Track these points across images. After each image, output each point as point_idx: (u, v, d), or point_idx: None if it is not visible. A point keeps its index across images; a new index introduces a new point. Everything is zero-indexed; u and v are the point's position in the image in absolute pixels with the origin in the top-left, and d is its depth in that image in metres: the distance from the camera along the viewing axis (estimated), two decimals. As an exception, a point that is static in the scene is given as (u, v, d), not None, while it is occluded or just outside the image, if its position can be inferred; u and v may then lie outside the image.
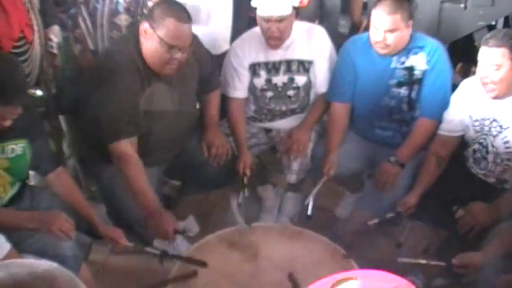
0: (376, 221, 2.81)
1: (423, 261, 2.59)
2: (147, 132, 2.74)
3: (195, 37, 2.82)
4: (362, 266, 2.45)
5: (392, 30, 2.83)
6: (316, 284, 1.15)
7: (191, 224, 3.13)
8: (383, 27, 2.83)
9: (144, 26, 2.59)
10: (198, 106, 3.17)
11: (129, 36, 2.77)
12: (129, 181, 2.61)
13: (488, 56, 2.54)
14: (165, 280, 2.46)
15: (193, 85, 2.95)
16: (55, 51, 3.04)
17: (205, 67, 3.00)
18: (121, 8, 3.10)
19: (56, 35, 3.04)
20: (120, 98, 2.60)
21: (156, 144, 2.81)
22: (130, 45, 2.66)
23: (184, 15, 2.59)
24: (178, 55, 2.59)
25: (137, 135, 2.67)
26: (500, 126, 2.67)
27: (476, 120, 2.76)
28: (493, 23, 3.96)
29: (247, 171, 3.06)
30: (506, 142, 2.66)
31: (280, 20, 2.94)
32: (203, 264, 2.48)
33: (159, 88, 2.72)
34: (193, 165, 3.00)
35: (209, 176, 3.04)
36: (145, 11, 3.12)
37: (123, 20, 3.12)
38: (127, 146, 2.63)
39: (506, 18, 4.12)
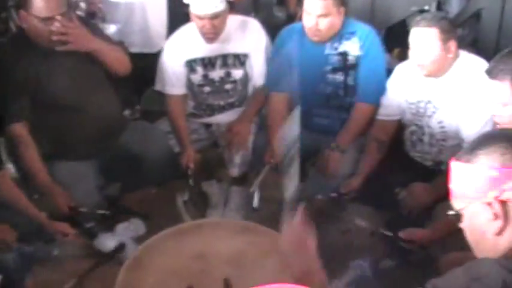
0: (319, 197, 2.83)
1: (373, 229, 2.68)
2: (55, 120, 2.83)
3: (98, 29, 3.09)
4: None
5: (324, 15, 2.86)
6: None
7: (136, 224, 3.09)
8: (315, 12, 2.86)
9: (20, 14, 2.72)
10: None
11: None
12: (23, 161, 2.77)
13: (420, 36, 2.59)
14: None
15: (98, 74, 2.94)
16: None
17: None
18: None
19: None
20: (5, 85, 2.72)
21: (73, 133, 2.88)
22: (16, 34, 2.92)
23: None
24: (56, 25, 2.68)
25: (24, 119, 2.77)
26: (434, 107, 2.73)
27: (412, 103, 2.81)
28: (426, 7, 4.05)
29: (191, 165, 3.04)
30: (440, 122, 2.72)
31: (214, 16, 2.93)
32: (146, 216, 2.64)
33: (52, 69, 2.80)
34: (130, 162, 2.97)
35: (148, 171, 3.01)
36: (78, 12, 3.14)
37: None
38: (19, 129, 2.76)
39: (439, 3, 4.22)
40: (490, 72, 2.11)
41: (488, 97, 2.20)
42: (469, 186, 1.38)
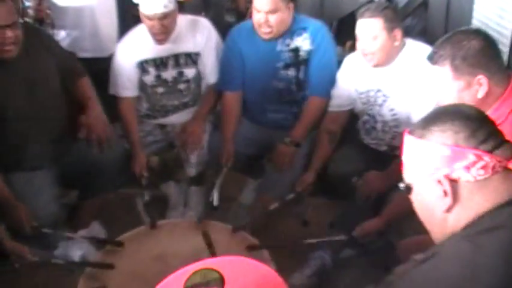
0: (276, 205, 2.85)
1: (326, 239, 2.67)
2: (5, 129, 2.76)
3: (47, 34, 3.07)
4: (270, 250, 2.50)
5: (273, 11, 2.88)
6: (169, 279, 1.07)
7: (96, 230, 3.06)
8: (264, 8, 2.87)
9: None
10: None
11: None
12: None
13: (365, 27, 2.63)
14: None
15: (50, 81, 2.89)
16: None
17: (63, 63, 2.95)
18: None
19: None
20: None
21: (26, 142, 2.81)
22: None
23: None
24: (8, 33, 2.59)
25: None
26: (384, 95, 2.76)
27: (362, 93, 2.85)
28: (375, -1, 4.10)
29: (144, 172, 3.03)
30: (392, 109, 2.76)
31: (164, 16, 2.92)
32: (110, 266, 2.46)
33: (1, 77, 2.70)
34: (86, 168, 2.92)
35: (105, 176, 2.96)
36: (26, 19, 3.10)
37: None
38: None
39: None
40: (431, 58, 2.12)
41: (431, 83, 2.22)
42: (421, 162, 1.37)
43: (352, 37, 4.09)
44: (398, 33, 2.63)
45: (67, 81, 2.99)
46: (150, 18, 2.92)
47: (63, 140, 2.95)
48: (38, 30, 3.03)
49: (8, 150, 2.79)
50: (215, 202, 2.92)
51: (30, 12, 3.25)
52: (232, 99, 3.16)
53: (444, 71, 2.01)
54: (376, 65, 2.70)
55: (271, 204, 2.86)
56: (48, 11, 3.36)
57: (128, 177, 3.05)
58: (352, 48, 4.18)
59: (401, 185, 1.46)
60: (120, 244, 2.62)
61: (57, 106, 2.94)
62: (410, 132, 1.42)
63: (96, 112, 2.92)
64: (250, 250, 2.52)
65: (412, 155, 1.41)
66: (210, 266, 1.03)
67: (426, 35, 3.73)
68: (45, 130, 2.86)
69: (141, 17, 2.98)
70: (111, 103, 3.15)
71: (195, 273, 1.02)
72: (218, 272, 1.01)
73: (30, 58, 2.77)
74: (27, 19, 3.15)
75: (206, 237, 2.55)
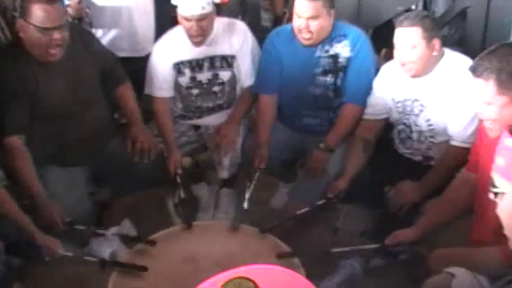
0: (305, 210, 2.84)
1: (357, 247, 2.66)
2: (49, 127, 2.82)
3: (89, 33, 3.12)
4: (300, 255, 2.50)
5: (314, 17, 2.87)
6: (202, 286, 1.07)
7: (127, 228, 3.08)
8: (305, 14, 2.86)
9: (18, 22, 2.68)
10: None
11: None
12: (16, 172, 2.69)
13: (403, 36, 2.60)
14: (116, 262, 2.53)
15: (90, 80, 2.94)
16: None
17: (103, 62, 3.00)
18: None
19: None
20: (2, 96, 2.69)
21: (66, 140, 2.86)
22: (11, 44, 2.86)
23: None
24: (56, 35, 2.64)
25: (22, 132, 2.73)
26: (421, 105, 2.73)
27: (399, 102, 2.83)
28: (413, 7, 4.07)
29: (179, 171, 3.04)
30: (428, 120, 2.74)
31: (202, 18, 2.93)
32: (143, 268, 2.47)
33: (47, 78, 2.77)
34: (120, 166, 2.95)
35: (138, 175, 2.97)
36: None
37: None
38: (14, 141, 2.71)
39: (425, 2, 4.24)
40: (475, 70, 2.05)
41: (472, 95, 2.18)
42: None
43: (387, 45, 4.10)
44: (437, 43, 2.60)
45: (107, 83, 3.03)
46: (187, 19, 2.94)
47: (100, 139, 2.99)
48: (81, 29, 3.06)
49: (48, 146, 2.84)
50: (245, 205, 2.92)
51: (70, 10, 3.27)
52: (268, 102, 3.16)
53: (488, 85, 1.97)
54: (414, 75, 2.67)
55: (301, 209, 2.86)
56: (87, 10, 3.40)
57: (160, 177, 3.06)
58: (387, 56, 4.18)
59: (494, 190, 1.42)
60: (153, 243, 2.64)
61: (97, 105, 2.98)
62: None
63: (139, 124, 3.03)
64: (280, 258, 2.51)
65: (510, 159, 1.37)
66: (245, 275, 1.03)
67: (463, 45, 3.70)
68: (84, 128, 2.91)
69: (179, 18, 3.00)
70: (147, 102, 3.18)
71: (229, 281, 1.03)
72: (253, 282, 1.02)
73: (73, 58, 2.81)
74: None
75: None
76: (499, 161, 1.41)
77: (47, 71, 2.76)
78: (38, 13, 2.61)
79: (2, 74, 2.71)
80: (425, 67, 2.64)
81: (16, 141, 2.71)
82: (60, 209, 2.67)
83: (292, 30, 3.00)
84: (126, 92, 3.09)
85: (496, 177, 1.43)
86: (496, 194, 1.42)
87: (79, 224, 2.72)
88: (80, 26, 3.20)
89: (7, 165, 2.70)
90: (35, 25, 2.61)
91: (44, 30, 2.61)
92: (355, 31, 3.03)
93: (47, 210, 2.64)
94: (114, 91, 3.07)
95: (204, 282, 1.07)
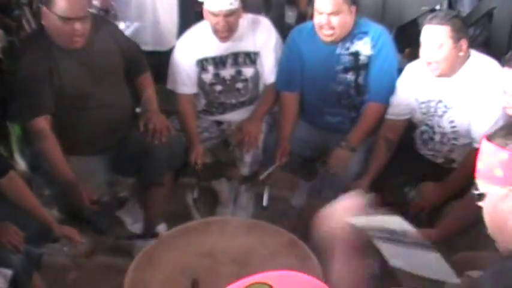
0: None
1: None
2: (72, 115, 2.85)
3: (114, 25, 3.15)
4: (318, 254, 2.48)
5: (335, 13, 2.85)
6: None
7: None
8: (326, 9, 2.85)
9: (42, 10, 2.73)
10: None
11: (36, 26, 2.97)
12: (45, 155, 2.75)
13: (431, 34, 2.57)
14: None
15: (116, 70, 2.98)
16: (0, 56, 2.99)
17: (128, 52, 3.03)
18: None
19: (0, 39, 2.99)
20: (27, 79, 2.73)
21: (89, 129, 2.90)
22: (36, 31, 2.92)
23: None
24: (77, 26, 2.70)
25: (49, 112, 2.77)
26: (445, 106, 2.71)
27: (423, 103, 2.80)
28: (437, 7, 4.03)
29: (199, 161, 3.05)
30: (452, 122, 2.71)
31: (229, 14, 2.93)
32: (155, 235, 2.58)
33: (71, 65, 2.81)
34: (141, 152, 2.96)
35: (159, 159, 2.96)
36: (89, 9, 3.12)
37: None
38: (41, 123, 2.74)
39: (450, 2, 4.20)
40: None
41: (500, 90, 2.17)
42: (499, 171, 1.35)
43: (410, 44, 4.07)
44: (464, 43, 2.58)
45: (130, 72, 3.06)
46: (215, 14, 2.94)
47: (122, 128, 3.01)
48: (105, 20, 3.11)
49: (70, 134, 2.87)
50: (264, 202, 2.92)
51: (95, 2, 3.29)
52: (290, 99, 3.15)
53: None
54: (439, 75, 2.65)
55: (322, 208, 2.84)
56: (112, 2, 3.42)
57: (182, 161, 3.08)
58: (411, 55, 4.15)
59: (475, 192, 1.43)
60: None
61: (121, 95, 3.01)
62: (490, 139, 1.39)
63: (155, 110, 3.03)
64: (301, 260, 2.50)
65: (489, 163, 1.38)
66: (265, 281, 1.02)
67: (489, 46, 3.65)
68: (108, 117, 2.93)
69: (205, 13, 3.00)
70: (170, 96, 3.18)
71: (249, 287, 1.01)
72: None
73: (98, 48, 2.86)
74: (91, 10, 3.17)
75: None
76: (479, 165, 1.42)
77: (71, 59, 2.80)
78: (60, 3, 2.66)
79: (28, 60, 2.74)
80: (451, 67, 2.62)
81: (42, 122, 2.73)
82: (88, 188, 2.74)
83: (313, 27, 2.99)
84: (146, 81, 3.12)
85: (479, 181, 1.43)
86: (479, 196, 1.42)
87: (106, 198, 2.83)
88: (104, 18, 3.23)
89: (33, 149, 2.77)
90: (57, 14, 2.66)
91: (66, 20, 2.66)
92: (376, 28, 3.01)
93: (77, 190, 2.71)
94: (135, 78, 3.10)
95: None
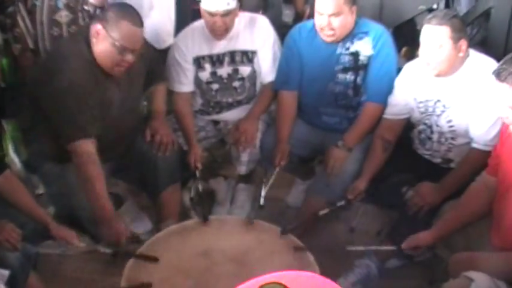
0: (326, 211, 2.83)
1: (373, 248, 2.64)
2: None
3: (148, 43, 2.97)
4: (316, 254, 2.48)
5: (336, 14, 2.84)
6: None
7: (143, 221, 3.09)
8: (327, 11, 2.84)
9: (97, 27, 2.59)
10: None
11: (79, 37, 2.74)
12: (89, 182, 2.61)
13: (431, 34, 2.56)
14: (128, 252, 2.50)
15: (139, 84, 2.94)
16: None
17: (153, 65, 3.00)
18: (61, 5, 3.06)
19: None
20: (77, 97, 2.60)
21: (102, 143, 2.76)
22: (81, 45, 2.66)
23: (137, 19, 2.63)
24: (129, 57, 2.61)
25: (95, 135, 2.66)
26: (444, 106, 2.70)
27: (421, 102, 2.80)
28: (435, 6, 4.03)
29: (199, 164, 3.04)
30: (449, 121, 2.70)
31: (226, 13, 2.92)
32: (154, 259, 2.46)
33: (109, 88, 2.72)
34: (143, 161, 2.95)
35: (160, 171, 2.97)
36: (85, 7, 3.12)
37: (63, 16, 3.08)
38: (88, 146, 2.63)
39: (447, 2, 4.20)
40: (499, 75, 2.03)
41: (496, 99, 2.15)
42: None
43: (408, 43, 4.08)
44: (463, 43, 2.57)
45: (148, 79, 3.01)
46: (212, 14, 2.93)
47: (130, 138, 2.99)
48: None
49: None
50: (261, 201, 2.91)
51: (92, 0, 3.27)
52: (288, 99, 3.13)
53: None
54: (438, 75, 2.64)
55: (320, 208, 2.84)
56: (109, 0, 3.40)
57: (182, 172, 3.07)
58: (407, 55, 4.15)
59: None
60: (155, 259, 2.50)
61: (136, 109, 3.00)
62: None
63: (162, 119, 3.03)
64: (296, 251, 2.50)
65: None
66: (279, 281, 1.02)
67: (486, 46, 3.65)
68: (121, 130, 2.88)
69: (202, 13, 2.98)
70: (167, 95, 3.18)
71: (263, 286, 1.02)
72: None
73: (133, 71, 2.78)
74: (86, 7, 3.15)
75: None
76: None
77: (111, 82, 2.72)
78: (124, 30, 2.55)
79: (80, 75, 2.62)
80: (451, 67, 2.61)
81: (89, 144, 2.63)
82: (124, 226, 2.65)
83: (313, 26, 2.98)
84: (160, 90, 3.10)
85: None
86: None
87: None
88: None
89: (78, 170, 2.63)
90: (115, 40, 2.55)
91: (122, 49, 2.56)
92: (377, 28, 2.99)
93: (114, 227, 2.60)
94: (150, 87, 3.07)
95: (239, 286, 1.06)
